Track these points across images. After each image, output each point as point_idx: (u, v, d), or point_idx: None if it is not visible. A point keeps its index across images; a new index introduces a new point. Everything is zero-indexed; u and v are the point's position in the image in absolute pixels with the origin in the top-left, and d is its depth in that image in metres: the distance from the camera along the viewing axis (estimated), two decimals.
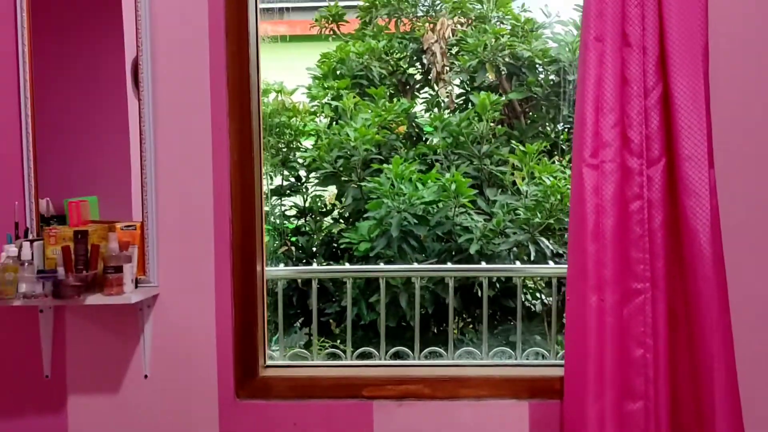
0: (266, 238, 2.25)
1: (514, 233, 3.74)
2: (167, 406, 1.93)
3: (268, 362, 2.01)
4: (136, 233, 1.85)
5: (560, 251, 3.76)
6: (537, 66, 4.38)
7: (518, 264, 3.54)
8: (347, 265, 3.80)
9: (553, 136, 4.34)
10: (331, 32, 5.11)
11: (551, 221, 3.70)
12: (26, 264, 1.73)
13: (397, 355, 3.14)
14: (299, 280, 3.81)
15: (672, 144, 1.68)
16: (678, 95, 1.65)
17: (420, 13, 5.04)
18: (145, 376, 1.92)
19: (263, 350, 1.98)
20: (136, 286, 1.84)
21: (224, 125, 1.88)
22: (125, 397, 1.93)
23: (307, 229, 4.24)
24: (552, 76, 4.40)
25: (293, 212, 4.36)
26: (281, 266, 3.92)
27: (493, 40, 4.40)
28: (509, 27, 4.53)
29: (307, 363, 2.74)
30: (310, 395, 1.93)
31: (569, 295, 1.79)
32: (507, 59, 4.38)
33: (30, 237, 1.83)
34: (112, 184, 1.96)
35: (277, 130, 4.33)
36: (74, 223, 1.85)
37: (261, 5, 1.98)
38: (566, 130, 4.32)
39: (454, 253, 3.85)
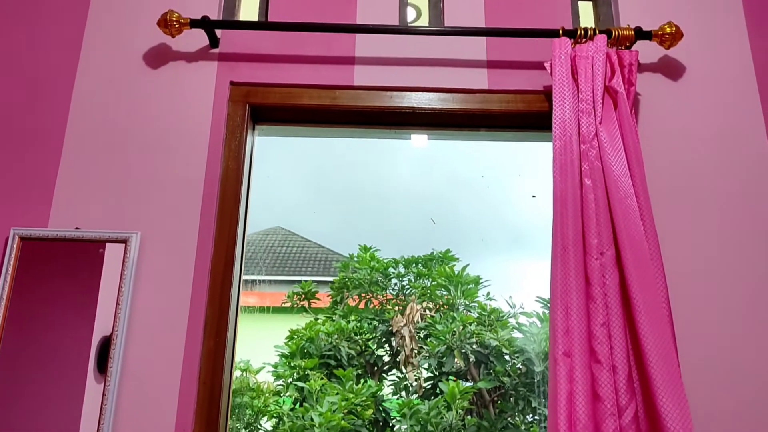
0: None
1: None
2: None
3: None
4: None
5: None
6: (504, 355, 4.43)
7: None
8: None
9: (523, 428, 4.23)
10: (302, 307, 5.23)
11: None
12: None
13: None
14: None
15: None
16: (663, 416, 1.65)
17: (390, 295, 5.23)
18: None
19: None
20: None
21: (189, 427, 1.80)
22: None
23: None
24: (519, 365, 4.43)
25: None
26: None
27: (461, 327, 4.51)
28: (476, 315, 4.68)
29: None
30: None
31: None
32: (475, 347, 4.45)
33: None
34: None
35: (237, 410, 4.17)
36: None
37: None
38: (536, 422, 4.23)
39: None
